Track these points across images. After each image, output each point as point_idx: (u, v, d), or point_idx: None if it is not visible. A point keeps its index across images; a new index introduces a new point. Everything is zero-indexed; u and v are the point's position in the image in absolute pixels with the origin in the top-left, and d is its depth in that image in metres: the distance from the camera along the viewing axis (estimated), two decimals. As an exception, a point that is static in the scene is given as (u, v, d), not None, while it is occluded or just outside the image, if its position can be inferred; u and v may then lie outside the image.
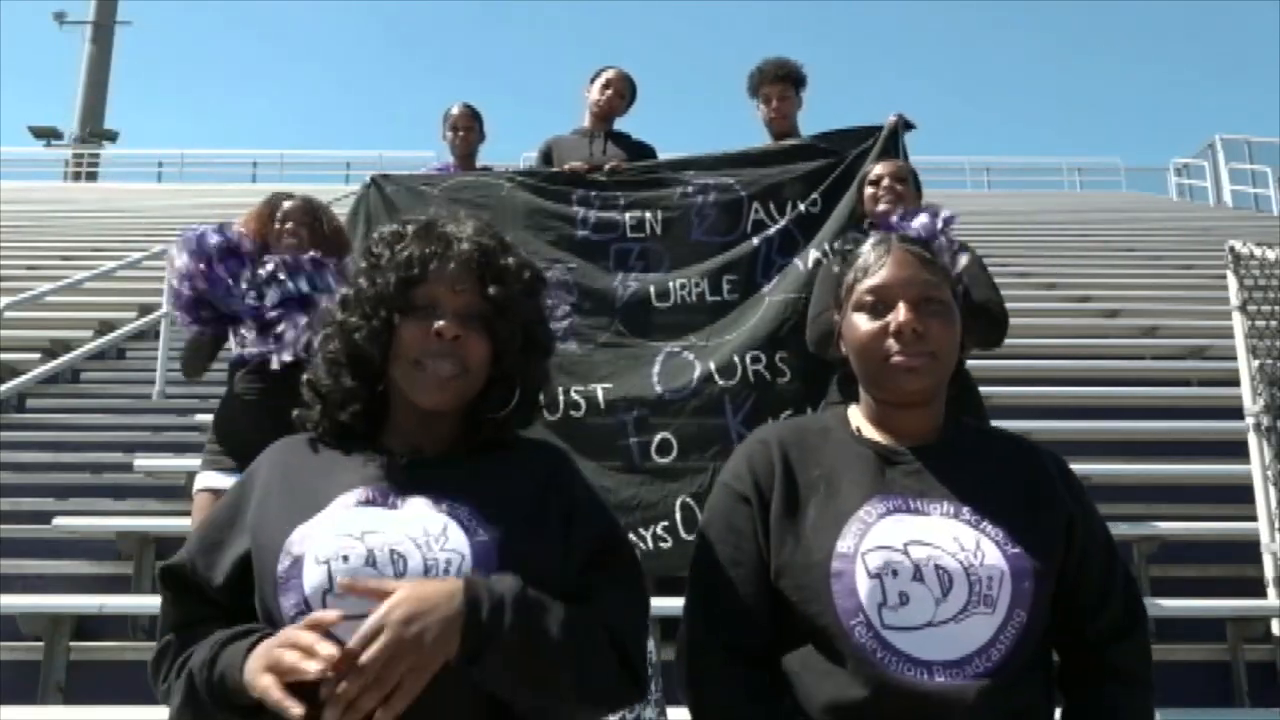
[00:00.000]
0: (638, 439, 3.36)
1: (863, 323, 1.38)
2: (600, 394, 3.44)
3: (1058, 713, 1.34)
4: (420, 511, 1.26)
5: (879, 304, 1.37)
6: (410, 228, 1.37)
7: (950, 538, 1.27)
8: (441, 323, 1.29)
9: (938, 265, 1.41)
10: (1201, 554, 4.05)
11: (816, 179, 3.73)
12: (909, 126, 3.70)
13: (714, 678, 1.33)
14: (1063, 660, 1.37)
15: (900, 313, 1.34)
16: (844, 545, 1.28)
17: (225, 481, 3.03)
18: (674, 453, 3.35)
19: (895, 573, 1.24)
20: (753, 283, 3.64)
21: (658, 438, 3.36)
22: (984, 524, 1.29)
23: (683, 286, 3.66)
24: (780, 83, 4.01)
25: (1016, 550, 1.27)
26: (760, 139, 4.12)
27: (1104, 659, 1.33)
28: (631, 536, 3.18)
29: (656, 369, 3.49)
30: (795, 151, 3.86)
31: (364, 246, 1.41)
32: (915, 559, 1.25)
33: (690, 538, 3.12)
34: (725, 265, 3.67)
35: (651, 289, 3.66)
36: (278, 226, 3.26)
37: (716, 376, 3.42)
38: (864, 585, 1.24)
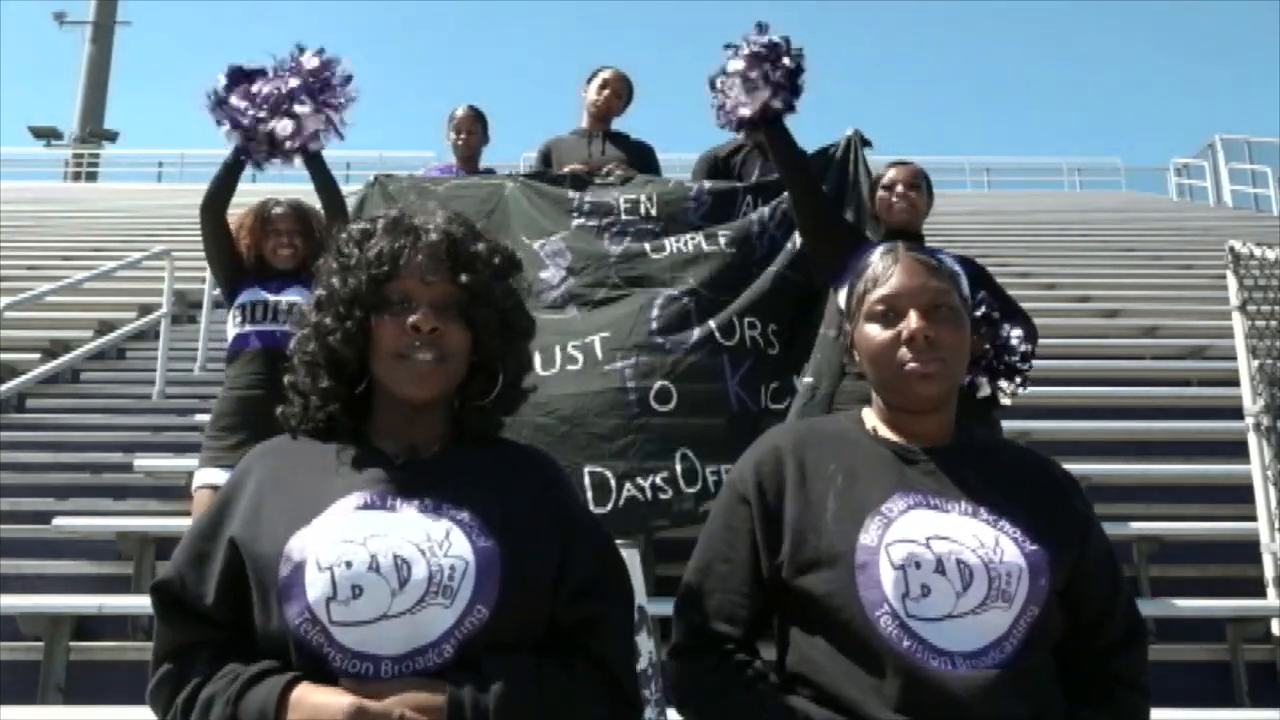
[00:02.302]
0: (636, 384, 3.29)
1: (875, 333, 1.41)
2: (598, 343, 3.39)
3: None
4: (420, 515, 1.25)
5: (890, 312, 1.40)
6: (379, 223, 1.36)
7: (970, 534, 1.31)
8: (417, 316, 1.29)
9: (945, 271, 1.44)
10: (1201, 554, 4.05)
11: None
12: (866, 143, 3.75)
13: (688, 657, 1.40)
14: (1064, 667, 1.38)
15: (912, 320, 1.37)
16: (867, 538, 1.31)
17: (224, 478, 3.04)
18: (674, 401, 3.29)
19: (918, 565, 1.28)
20: (749, 243, 3.63)
21: (657, 385, 3.29)
22: (1001, 523, 1.33)
23: (677, 239, 3.66)
24: None
25: (1034, 548, 1.31)
26: None
27: (1108, 667, 1.37)
28: (629, 486, 3.16)
29: (655, 312, 3.43)
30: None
31: (334, 245, 1.39)
32: (937, 552, 1.28)
33: (690, 490, 3.14)
34: (721, 229, 3.68)
35: (647, 245, 3.65)
36: (271, 241, 3.34)
37: (717, 334, 3.40)
38: (888, 577, 1.28)
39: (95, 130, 27.82)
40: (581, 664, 1.28)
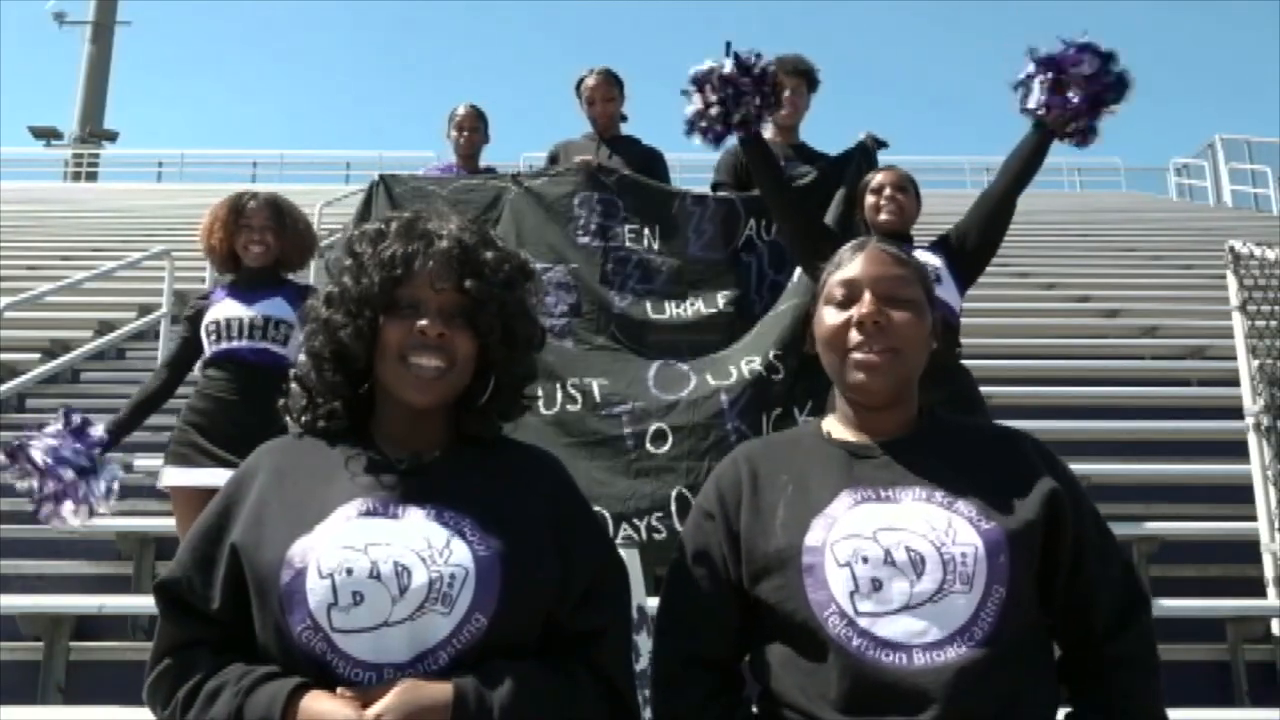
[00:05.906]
0: (633, 429, 3.38)
1: (829, 315, 1.40)
2: (596, 388, 3.47)
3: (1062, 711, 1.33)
4: (422, 522, 1.26)
5: (847, 297, 1.39)
6: (393, 225, 1.37)
7: (921, 520, 1.27)
8: (424, 322, 1.30)
9: (913, 265, 1.42)
10: (1201, 554, 4.05)
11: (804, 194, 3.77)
12: (880, 144, 3.75)
13: (672, 686, 1.37)
14: (1065, 653, 1.36)
15: (864, 304, 1.35)
16: (812, 539, 1.29)
17: (186, 478, 3.08)
18: (669, 444, 3.36)
19: (865, 559, 1.25)
20: (747, 298, 3.71)
21: (653, 428, 3.37)
22: (956, 504, 1.29)
23: (678, 305, 3.71)
24: (797, 76, 3.99)
25: (990, 526, 1.26)
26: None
27: (1108, 648, 1.31)
28: (625, 527, 3.23)
29: (652, 373, 3.52)
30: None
31: (346, 243, 1.41)
32: (885, 544, 1.25)
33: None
34: (721, 284, 3.74)
35: (648, 305, 3.71)
36: (243, 236, 3.23)
37: (710, 380, 3.45)
38: (834, 575, 1.25)
39: (95, 130, 27.82)
40: (583, 672, 1.28)
